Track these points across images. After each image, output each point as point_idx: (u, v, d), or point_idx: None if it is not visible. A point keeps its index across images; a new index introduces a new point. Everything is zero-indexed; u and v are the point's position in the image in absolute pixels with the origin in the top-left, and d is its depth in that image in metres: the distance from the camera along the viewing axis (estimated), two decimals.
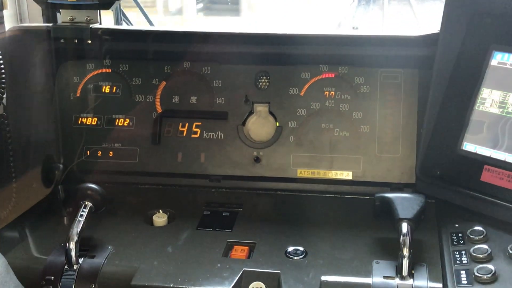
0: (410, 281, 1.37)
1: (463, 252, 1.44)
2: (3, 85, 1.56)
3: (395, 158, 1.76)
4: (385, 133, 1.77)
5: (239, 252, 1.54)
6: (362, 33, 1.84)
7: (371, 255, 1.49)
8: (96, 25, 1.89)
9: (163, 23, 9.05)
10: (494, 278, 1.33)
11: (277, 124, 1.83)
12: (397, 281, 1.38)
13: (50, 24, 1.89)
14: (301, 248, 1.53)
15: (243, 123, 1.84)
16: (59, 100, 1.91)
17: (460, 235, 1.51)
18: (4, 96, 1.58)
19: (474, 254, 1.41)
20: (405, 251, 1.38)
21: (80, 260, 1.49)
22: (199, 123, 1.86)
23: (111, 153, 1.88)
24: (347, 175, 1.79)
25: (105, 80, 1.91)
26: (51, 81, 1.89)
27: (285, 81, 1.84)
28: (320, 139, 1.80)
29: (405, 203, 1.48)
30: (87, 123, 1.90)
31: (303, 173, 1.81)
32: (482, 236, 1.47)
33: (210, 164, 1.84)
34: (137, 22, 2.72)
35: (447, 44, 1.65)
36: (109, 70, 1.91)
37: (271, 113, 1.83)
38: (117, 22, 2.21)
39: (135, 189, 1.85)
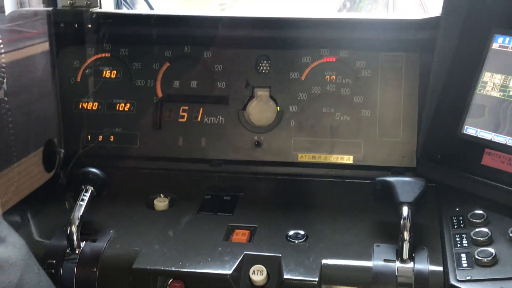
0: (410, 264, 1.38)
1: (464, 235, 1.44)
2: (3, 70, 1.56)
3: (396, 142, 1.76)
4: (386, 117, 1.77)
5: (240, 236, 1.54)
6: (363, 17, 1.84)
7: (372, 238, 1.50)
8: (96, 9, 1.89)
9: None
10: (494, 261, 1.33)
11: (278, 108, 1.82)
12: (397, 264, 1.38)
13: (50, 9, 1.89)
14: (302, 232, 1.53)
15: (244, 108, 1.84)
16: (59, 85, 1.90)
17: (460, 218, 1.51)
18: (5, 80, 1.58)
19: (475, 238, 1.41)
20: (406, 235, 1.39)
21: (82, 244, 1.49)
22: (200, 108, 1.86)
23: (112, 138, 1.88)
24: (348, 159, 1.79)
25: (106, 65, 1.90)
26: (51, 66, 1.88)
27: (286, 65, 1.84)
28: (321, 123, 1.80)
29: (406, 187, 1.48)
30: (88, 108, 1.90)
31: (304, 157, 1.81)
32: (482, 220, 1.47)
33: (211, 148, 1.84)
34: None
35: (448, 27, 1.65)
36: (109, 55, 1.91)
37: (272, 97, 1.83)
38: (117, 6, 2.20)
39: (136, 173, 1.86)
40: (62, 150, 1.87)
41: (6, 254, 1.13)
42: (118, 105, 1.89)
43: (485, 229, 1.43)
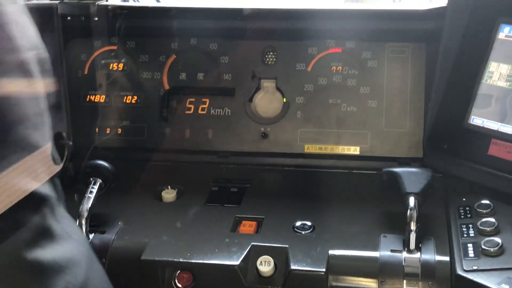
0: (417, 255, 1.38)
1: (470, 225, 1.45)
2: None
3: (402, 132, 1.76)
4: (392, 107, 1.77)
5: (247, 227, 1.55)
6: (369, 7, 1.84)
7: (379, 229, 1.50)
8: (103, 2, 1.89)
9: None
10: (501, 251, 1.34)
11: (284, 100, 1.83)
12: (404, 254, 1.39)
13: (57, 1, 1.89)
14: (308, 223, 1.54)
15: (250, 99, 1.84)
16: (67, 78, 1.91)
17: (467, 208, 1.51)
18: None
19: (481, 228, 1.41)
20: (412, 225, 1.39)
21: (91, 236, 1.50)
22: (206, 100, 1.86)
23: (119, 130, 1.89)
24: (354, 150, 1.79)
25: (112, 57, 1.91)
26: (58, 59, 1.89)
27: (292, 57, 1.84)
28: (328, 114, 1.80)
29: (412, 178, 1.49)
30: (95, 100, 1.91)
31: (311, 148, 1.81)
32: (489, 210, 1.47)
33: (217, 140, 1.85)
34: None
35: (454, 17, 1.64)
36: (116, 47, 1.91)
37: (278, 89, 1.83)
38: None
39: (143, 165, 1.86)
40: (71, 143, 1.87)
41: (72, 252, 1.11)
42: (125, 97, 1.90)
43: (492, 219, 1.43)
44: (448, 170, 1.64)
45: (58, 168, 1.14)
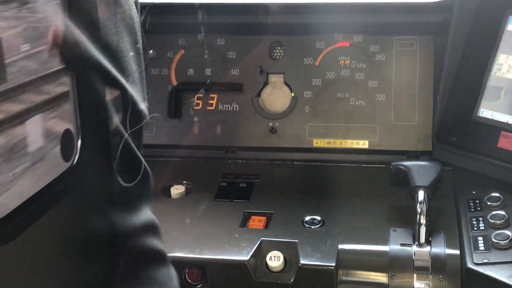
0: (427, 248, 1.38)
1: (480, 218, 1.44)
2: None
3: (411, 126, 1.76)
4: (401, 101, 1.77)
5: (257, 222, 1.55)
6: (376, 1, 1.83)
7: (388, 223, 1.50)
8: None
9: None
10: (511, 243, 1.33)
11: (292, 94, 1.82)
12: (414, 248, 1.39)
13: None
14: (318, 218, 1.54)
15: (258, 94, 1.84)
16: None
17: (477, 201, 1.50)
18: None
19: (491, 221, 1.41)
20: (422, 219, 1.39)
21: None
22: (214, 95, 1.86)
23: None
24: (363, 144, 1.79)
25: None
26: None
27: (300, 51, 1.83)
28: (336, 108, 1.80)
29: (422, 171, 1.48)
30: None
31: (319, 143, 1.81)
32: (499, 203, 1.47)
33: (226, 135, 1.85)
34: None
35: (462, 9, 1.63)
36: None
37: (286, 83, 1.83)
38: None
39: (152, 161, 1.86)
40: (80, 140, 1.88)
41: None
42: None
43: (502, 212, 1.43)
44: (457, 163, 1.64)
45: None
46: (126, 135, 1.16)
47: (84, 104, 1.16)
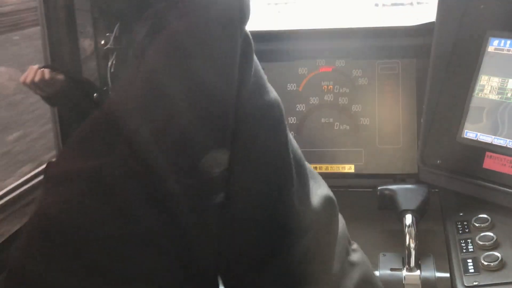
0: (417, 272, 1.37)
1: (469, 240, 1.44)
2: None
3: (396, 149, 1.76)
4: (385, 124, 1.77)
5: None
6: (358, 26, 1.84)
7: (377, 247, 1.49)
8: None
9: None
10: (501, 265, 1.33)
11: None
12: (404, 272, 1.38)
13: None
14: None
15: None
16: None
17: (465, 223, 1.50)
18: None
19: (480, 242, 1.40)
20: (411, 243, 1.39)
21: None
22: None
23: None
24: (349, 168, 1.79)
25: None
26: None
27: (283, 77, 1.84)
28: (321, 133, 1.80)
29: (408, 194, 1.49)
30: None
31: None
32: (487, 224, 1.47)
33: None
34: None
35: (442, 32, 1.65)
36: None
37: None
38: None
39: None
40: None
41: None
42: None
43: (490, 233, 1.42)
44: (444, 185, 1.64)
45: None
46: None
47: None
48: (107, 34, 1.50)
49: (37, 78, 1.63)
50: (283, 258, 0.94)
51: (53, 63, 1.81)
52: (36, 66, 1.66)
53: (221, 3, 0.88)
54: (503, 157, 1.51)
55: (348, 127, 1.79)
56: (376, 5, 10.52)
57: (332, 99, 1.81)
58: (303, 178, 1.01)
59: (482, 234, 1.43)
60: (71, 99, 1.75)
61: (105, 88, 1.55)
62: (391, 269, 1.40)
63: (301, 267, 0.96)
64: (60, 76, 1.67)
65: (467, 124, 1.58)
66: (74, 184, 0.79)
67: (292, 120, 1.81)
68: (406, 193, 1.49)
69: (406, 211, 1.44)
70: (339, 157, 1.79)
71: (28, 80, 1.64)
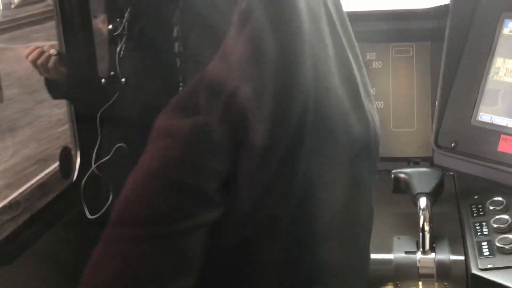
0: (431, 255, 1.38)
1: (484, 223, 1.44)
2: None
3: (411, 132, 1.76)
4: (399, 107, 1.77)
5: None
6: (372, 9, 1.83)
7: (392, 231, 1.50)
8: None
9: None
10: None
11: None
12: (418, 255, 1.38)
13: None
14: None
15: None
16: None
17: (479, 206, 1.50)
18: None
19: (495, 225, 1.40)
20: (425, 226, 1.39)
21: None
22: None
23: None
24: None
25: None
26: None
27: None
28: None
29: (423, 178, 1.48)
30: None
31: None
32: (502, 207, 1.46)
33: None
34: None
35: (457, 14, 1.63)
36: None
37: None
38: None
39: None
40: (79, 157, 1.87)
41: None
42: None
43: (505, 216, 1.42)
44: (458, 168, 1.63)
45: None
46: None
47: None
48: (117, 20, 1.49)
49: (40, 61, 1.62)
50: None
51: (67, 48, 1.82)
52: (44, 48, 1.65)
53: None
54: None
55: None
56: None
57: None
58: None
59: (497, 217, 1.43)
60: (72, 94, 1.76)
61: (112, 73, 1.55)
62: (406, 252, 1.40)
63: None
64: (63, 69, 1.66)
65: (482, 107, 1.57)
66: (177, 138, 0.83)
67: None
68: (420, 176, 1.48)
69: (420, 194, 1.44)
70: None
71: (31, 58, 1.63)
